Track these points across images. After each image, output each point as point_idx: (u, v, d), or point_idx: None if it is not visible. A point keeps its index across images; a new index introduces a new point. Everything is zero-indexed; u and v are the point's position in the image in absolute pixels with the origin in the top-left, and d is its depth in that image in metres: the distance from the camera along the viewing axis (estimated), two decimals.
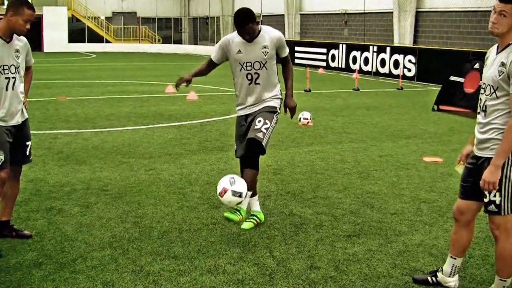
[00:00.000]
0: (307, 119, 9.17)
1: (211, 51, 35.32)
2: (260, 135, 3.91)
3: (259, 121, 3.95)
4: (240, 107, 4.16)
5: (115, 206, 4.64)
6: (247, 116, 4.11)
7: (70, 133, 8.13)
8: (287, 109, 4.14)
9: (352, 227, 4.18)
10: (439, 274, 3.16)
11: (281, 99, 4.15)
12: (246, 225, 4.12)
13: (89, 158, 6.46)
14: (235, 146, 4.26)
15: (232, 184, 3.79)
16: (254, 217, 4.18)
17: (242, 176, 4.24)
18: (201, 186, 5.35)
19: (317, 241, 3.86)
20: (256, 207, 4.24)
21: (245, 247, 3.75)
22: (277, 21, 28.48)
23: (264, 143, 3.94)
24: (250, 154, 3.97)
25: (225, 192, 3.78)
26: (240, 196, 3.76)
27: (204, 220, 4.31)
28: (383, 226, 4.22)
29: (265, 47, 3.92)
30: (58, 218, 4.29)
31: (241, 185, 3.79)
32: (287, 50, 4.08)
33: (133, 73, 20.08)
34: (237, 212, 3.93)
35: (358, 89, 15.36)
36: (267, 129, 3.95)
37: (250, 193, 4.00)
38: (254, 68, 3.96)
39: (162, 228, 4.10)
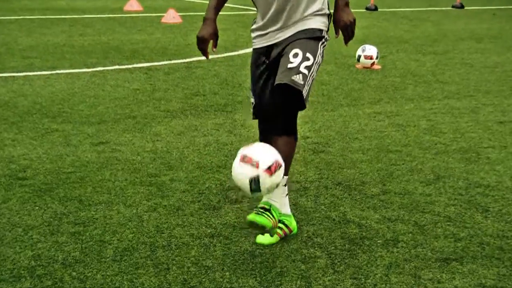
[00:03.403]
0: (371, 57, 9.18)
1: None
2: (298, 78, 3.89)
3: (295, 55, 3.93)
4: (258, 34, 4.15)
5: (39, 206, 4.68)
6: (270, 48, 4.11)
7: None
8: (339, 29, 4.11)
9: (450, 245, 4.18)
10: None
11: (330, 16, 4.13)
12: (267, 237, 4.13)
13: None
14: (252, 99, 4.26)
15: (261, 153, 3.73)
16: (280, 225, 4.19)
17: None
18: (188, 172, 5.37)
19: (388, 268, 3.87)
20: (285, 208, 4.24)
21: (265, 276, 3.76)
22: None
23: (304, 92, 3.93)
24: (279, 112, 3.96)
25: (244, 159, 3.71)
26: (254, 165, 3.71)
27: (193, 229, 4.33)
28: (505, 245, 4.21)
29: None
30: None
31: (272, 155, 3.75)
32: None
33: None
34: (267, 213, 3.92)
35: (462, 6, 15.13)
36: (309, 68, 3.93)
37: (285, 178, 4.00)
38: None
39: (122, 244, 4.13)
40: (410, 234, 4.31)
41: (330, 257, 3.99)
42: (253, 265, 3.88)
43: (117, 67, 8.96)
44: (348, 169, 5.49)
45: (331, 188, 5.09)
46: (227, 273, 3.77)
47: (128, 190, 4.98)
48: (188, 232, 4.29)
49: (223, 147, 5.94)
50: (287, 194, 4.25)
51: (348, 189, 5.08)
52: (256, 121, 4.35)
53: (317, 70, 4.04)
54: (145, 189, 5.00)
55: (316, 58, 4.00)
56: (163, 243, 4.14)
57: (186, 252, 4.02)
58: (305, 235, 4.28)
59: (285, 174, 4.02)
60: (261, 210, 3.95)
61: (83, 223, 4.42)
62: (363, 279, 3.73)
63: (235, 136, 6.23)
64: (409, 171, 5.47)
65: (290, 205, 4.35)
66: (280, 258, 3.96)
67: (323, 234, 4.29)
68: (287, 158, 3.98)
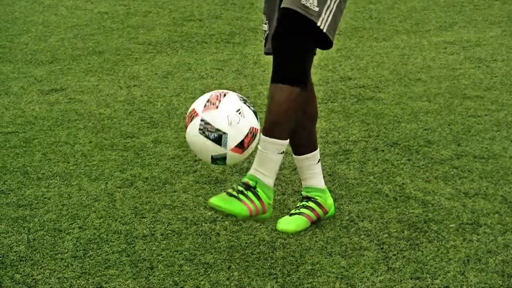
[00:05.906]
0: None
1: None
2: (310, 2, 3.84)
3: None
4: None
5: None
6: None
7: None
8: None
9: None
10: None
11: None
12: (292, 222, 4.14)
13: None
14: (265, 26, 4.23)
15: (210, 104, 3.88)
16: (312, 204, 4.21)
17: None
18: (178, 130, 5.44)
19: (465, 263, 3.85)
20: (316, 179, 4.25)
21: (290, 277, 3.76)
22: None
23: (323, 23, 3.87)
24: (279, 50, 3.92)
25: (192, 118, 3.88)
26: (218, 141, 3.80)
27: (187, 212, 4.35)
28: None
29: None
30: None
31: (234, 115, 3.83)
32: None
33: None
34: (244, 194, 3.84)
35: None
36: None
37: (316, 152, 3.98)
38: None
39: (86, 233, 4.14)
40: (497, 215, 4.28)
41: (382, 248, 3.98)
42: (273, 261, 3.87)
43: None
44: (407, 123, 5.47)
45: (382, 150, 5.08)
46: (236, 273, 3.77)
47: (94, 158, 4.99)
48: (179, 216, 4.30)
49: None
50: (319, 160, 4.24)
51: (408, 151, 5.06)
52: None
53: None
54: (117, 155, 5.02)
55: None
56: (144, 231, 4.14)
57: (177, 244, 4.02)
58: (347, 218, 4.27)
59: (282, 137, 3.91)
60: (238, 189, 3.85)
61: (29, 205, 4.42)
62: (429, 280, 3.72)
63: (246, 78, 6.20)
64: (495, 125, 5.43)
65: (324, 176, 4.31)
66: (310, 251, 3.95)
67: (372, 216, 4.28)
68: (283, 116, 3.89)
